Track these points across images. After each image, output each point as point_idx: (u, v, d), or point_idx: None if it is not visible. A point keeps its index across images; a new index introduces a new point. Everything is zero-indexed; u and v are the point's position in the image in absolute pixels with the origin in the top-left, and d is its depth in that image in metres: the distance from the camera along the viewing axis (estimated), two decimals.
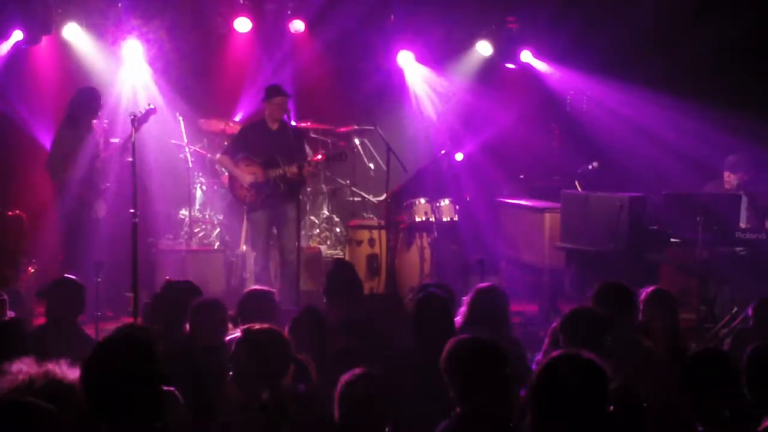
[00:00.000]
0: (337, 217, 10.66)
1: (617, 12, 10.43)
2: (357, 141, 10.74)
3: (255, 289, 5.85)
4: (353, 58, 11.01)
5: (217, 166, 10.02)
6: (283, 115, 8.68)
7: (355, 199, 10.69)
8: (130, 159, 7.48)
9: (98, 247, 8.19)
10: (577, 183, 9.49)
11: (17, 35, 9.53)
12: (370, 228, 9.86)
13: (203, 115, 10.38)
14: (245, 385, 4.15)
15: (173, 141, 10.06)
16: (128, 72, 10.13)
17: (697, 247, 7.77)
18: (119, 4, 9.99)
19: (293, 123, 9.25)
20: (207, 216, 10.20)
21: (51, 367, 3.33)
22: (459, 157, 10.73)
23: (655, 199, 8.41)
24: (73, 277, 6.16)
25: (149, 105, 8.16)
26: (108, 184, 8.60)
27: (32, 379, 3.26)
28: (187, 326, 5.24)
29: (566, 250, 8.68)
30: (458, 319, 5.61)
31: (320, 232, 10.54)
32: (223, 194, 10.14)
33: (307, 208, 10.38)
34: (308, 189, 10.23)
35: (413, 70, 11.22)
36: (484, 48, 11.16)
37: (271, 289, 5.88)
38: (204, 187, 10.24)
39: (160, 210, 9.93)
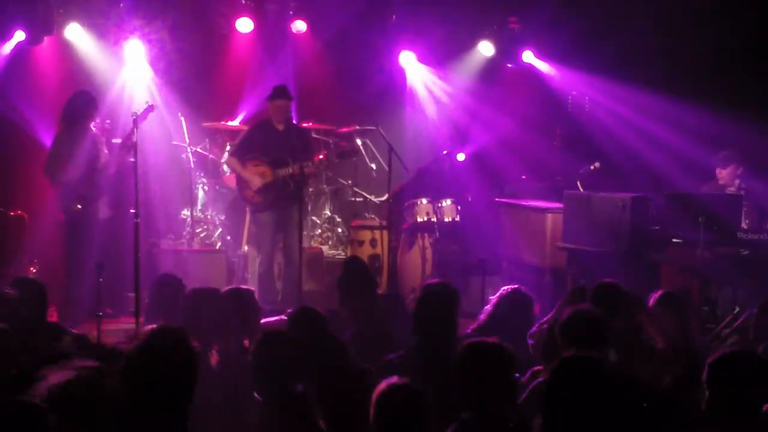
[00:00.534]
0: (339, 217, 10.66)
1: (618, 12, 10.43)
2: (359, 141, 10.74)
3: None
4: (355, 59, 10.99)
5: (225, 168, 10.03)
6: (284, 118, 8.71)
7: (357, 199, 10.68)
8: (132, 159, 7.49)
9: (100, 248, 8.20)
10: (578, 183, 9.50)
11: (19, 35, 9.52)
12: (371, 228, 9.87)
13: (205, 116, 10.39)
14: None
15: (175, 141, 10.07)
16: (130, 72, 10.12)
17: (698, 247, 7.76)
18: (121, 5, 9.98)
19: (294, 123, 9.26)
20: (209, 216, 10.20)
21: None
22: (461, 157, 10.73)
23: (657, 199, 8.41)
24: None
25: (147, 103, 8.16)
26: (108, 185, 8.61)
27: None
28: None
29: (568, 250, 8.68)
30: (482, 317, 5.79)
31: (322, 233, 10.54)
32: (225, 194, 10.16)
33: (309, 208, 10.38)
34: (310, 189, 10.23)
35: (415, 71, 11.22)
36: (485, 48, 11.17)
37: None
38: (206, 188, 10.24)
39: (161, 210, 9.92)
